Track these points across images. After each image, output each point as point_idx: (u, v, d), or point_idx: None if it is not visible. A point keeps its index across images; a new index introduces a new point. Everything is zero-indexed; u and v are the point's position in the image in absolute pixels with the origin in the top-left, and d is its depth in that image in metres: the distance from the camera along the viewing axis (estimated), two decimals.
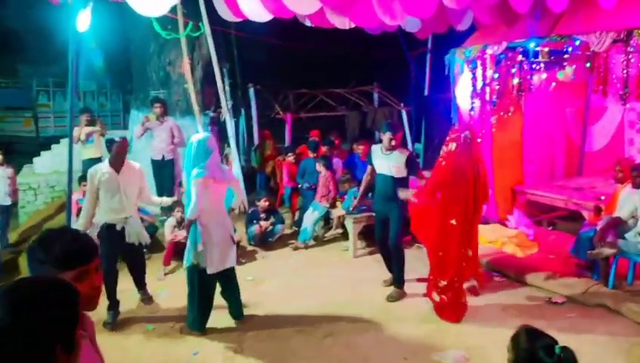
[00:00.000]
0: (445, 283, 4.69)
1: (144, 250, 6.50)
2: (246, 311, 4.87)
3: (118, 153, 4.79)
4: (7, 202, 7.19)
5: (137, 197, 4.97)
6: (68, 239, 1.59)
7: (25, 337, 1.13)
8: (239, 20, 6.03)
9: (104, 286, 4.66)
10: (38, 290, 1.21)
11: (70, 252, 1.56)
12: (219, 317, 4.83)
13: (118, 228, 4.80)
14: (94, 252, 1.64)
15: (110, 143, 4.85)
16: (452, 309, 4.70)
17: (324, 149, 7.97)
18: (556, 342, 2.00)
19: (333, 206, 7.03)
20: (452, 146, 4.57)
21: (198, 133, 4.73)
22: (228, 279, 4.67)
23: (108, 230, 4.79)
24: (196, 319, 4.55)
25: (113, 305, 4.83)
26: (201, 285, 4.48)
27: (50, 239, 1.58)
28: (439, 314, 4.75)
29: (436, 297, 4.77)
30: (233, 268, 4.68)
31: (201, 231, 4.37)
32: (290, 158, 8.16)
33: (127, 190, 4.79)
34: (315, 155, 7.66)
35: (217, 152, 4.59)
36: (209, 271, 4.42)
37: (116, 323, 4.77)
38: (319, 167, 7.19)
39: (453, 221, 4.60)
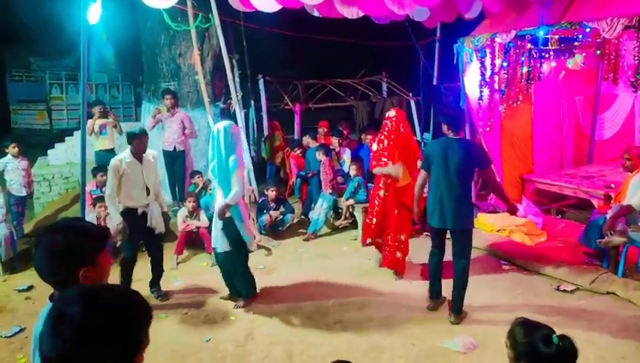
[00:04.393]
0: (404, 237, 5.41)
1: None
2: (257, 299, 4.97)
3: (140, 148, 4.94)
4: (23, 193, 7.32)
5: (156, 183, 5.16)
6: (91, 224, 1.72)
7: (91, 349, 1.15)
8: (248, 10, 6.07)
9: (121, 270, 4.97)
10: (119, 303, 1.22)
11: (103, 233, 1.69)
12: (230, 305, 4.93)
13: (139, 212, 4.98)
14: (108, 237, 1.74)
15: (131, 136, 4.93)
16: (403, 264, 5.46)
17: (332, 140, 8.01)
18: (553, 331, 2.00)
19: (341, 194, 7.08)
20: (389, 124, 5.35)
21: (222, 122, 4.90)
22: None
23: (129, 213, 4.94)
24: (249, 288, 4.99)
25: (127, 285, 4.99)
26: (244, 261, 4.94)
27: (83, 227, 1.65)
28: (394, 266, 5.44)
29: (399, 254, 5.42)
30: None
31: (242, 214, 4.78)
32: (297, 152, 8.24)
33: (149, 179, 5.01)
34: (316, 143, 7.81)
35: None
36: (252, 249, 5.00)
37: None
38: (319, 156, 7.26)
39: (399, 184, 5.34)
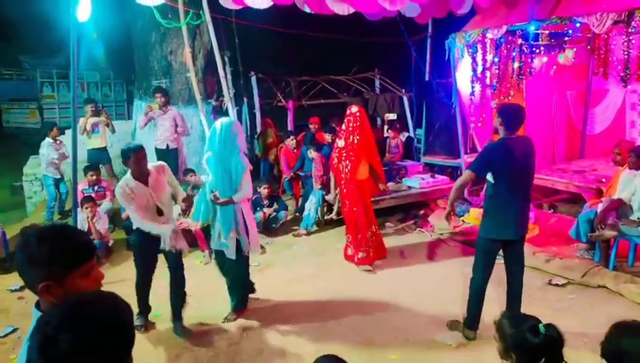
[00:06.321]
0: (360, 236, 5.72)
1: None
2: (251, 296, 4.96)
3: (138, 167, 4.20)
4: (58, 176, 7.85)
5: (170, 199, 4.54)
6: (70, 236, 1.54)
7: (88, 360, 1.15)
8: (239, 7, 6.06)
9: (136, 293, 4.51)
10: (108, 316, 1.21)
11: (79, 249, 1.51)
12: (224, 303, 4.93)
13: (153, 233, 4.24)
14: (95, 246, 1.63)
15: (124, 155, 4.22)
16: (378, 253, 5.78)
17: (325, 136, 8.00)
18: (539, 321, 2.06)
19: None
20: (354, 120, 5.57)
21: (224, 118, 4.66)
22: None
23: (141, 234, 4.29)
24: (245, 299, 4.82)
25: (144, 310, 4.59)
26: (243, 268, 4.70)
27: (53, 238, 1.49)
28: (365, 263, 5.69)
29: (363, 254, 5.72)
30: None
31: (246, 216, 4.54)
32: (291, 141, 8.22)
33: (160, 198, 4.33)
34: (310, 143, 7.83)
35: None
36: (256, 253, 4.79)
37: (147, 326, 4.57)
38: (311, 154, 7.28)
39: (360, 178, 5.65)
